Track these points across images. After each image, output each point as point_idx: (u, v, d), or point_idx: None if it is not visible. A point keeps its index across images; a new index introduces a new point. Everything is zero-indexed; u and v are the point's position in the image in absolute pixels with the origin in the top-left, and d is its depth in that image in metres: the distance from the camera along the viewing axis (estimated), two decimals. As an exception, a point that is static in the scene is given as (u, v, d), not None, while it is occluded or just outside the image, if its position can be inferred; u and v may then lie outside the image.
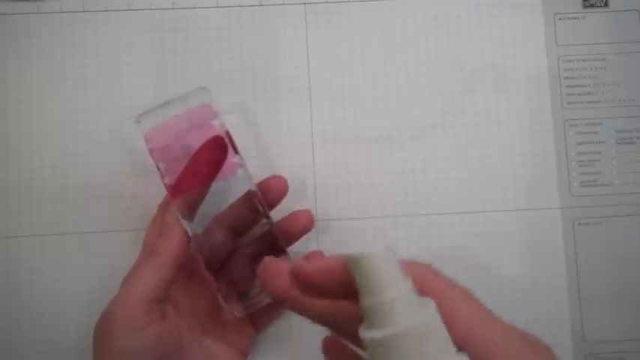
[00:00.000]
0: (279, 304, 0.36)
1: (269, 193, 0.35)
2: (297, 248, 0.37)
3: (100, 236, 0.39)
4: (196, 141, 0.33)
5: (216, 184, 0.33)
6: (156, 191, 0.37)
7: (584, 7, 0.42)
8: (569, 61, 0.41)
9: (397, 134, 0.41)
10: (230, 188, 0.33)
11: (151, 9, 0.41)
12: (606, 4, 0.42)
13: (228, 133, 0.34)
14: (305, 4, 0.42)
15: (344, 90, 0.41)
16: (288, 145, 0.40)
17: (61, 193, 0.39)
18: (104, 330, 0.31)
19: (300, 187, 0.40)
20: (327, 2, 0.42)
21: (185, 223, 0.32)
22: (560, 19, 0.42)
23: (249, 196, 0.34)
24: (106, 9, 0.41)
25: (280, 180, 0.36)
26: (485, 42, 0.41)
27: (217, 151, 0.33)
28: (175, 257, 0.32)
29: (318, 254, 0.37)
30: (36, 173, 0.39)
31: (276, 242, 0.34)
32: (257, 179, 0.35)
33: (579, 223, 0.40)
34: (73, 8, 0.41)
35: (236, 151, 0.34)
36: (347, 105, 0.41)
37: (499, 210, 0.40)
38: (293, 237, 0.36)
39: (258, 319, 0.37)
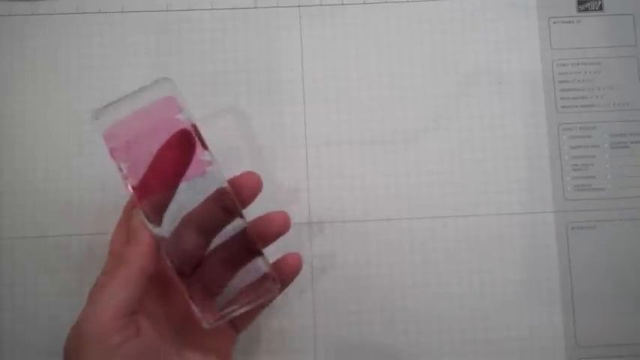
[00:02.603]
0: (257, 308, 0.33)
1: (242, 190, 0.32)
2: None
3: (101, 237, 0.39)
4: (161, 137, 0.30)
5: (185, 184, 0.30)
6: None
7: (579, 11, 0.42)
8: (564, 65, 0.41)
9: (391, 137, 0.41)
10: (200, 187, 0.31)
11: (145, 11, 0.41)
12: (601, 8, 0.42)
13: (195, 127, 0.31)
14: (299, 6, 0.41)
15: (338, 93, 0.41)
16: (281, 148, 0.40)
17: (64, 194, 0.39)
18: (75, 352, 0.28)
19: (294, 189, 0.40)
20: (321, 5, 0.42)
21: (152, 227, 0.30)
22: (554, 22, 0.42)
23: (220, 195, 0.31)
24: (100, 11, 0.41)
25: (253, 176, 0.33)
26: (479, 45, 0.41)
27: (184, 147, 0.30)
28: (145, 265, 0.30)
29: (295, 257, 0.35)
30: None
31: (251, 243, 0.31)
32: (228, 176, 0.34)
33: (573, 227, 0.40)
34: (67, 10, 0.41)
35: (205, 147, 0.31)
36: (341, 108, 0.41)
37: (492, 214, 0.40)
38: (268, 238, 0.34)
39: (238, 319, 0.34)
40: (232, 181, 0.32)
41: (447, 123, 0.41)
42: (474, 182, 0.40)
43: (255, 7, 0.41)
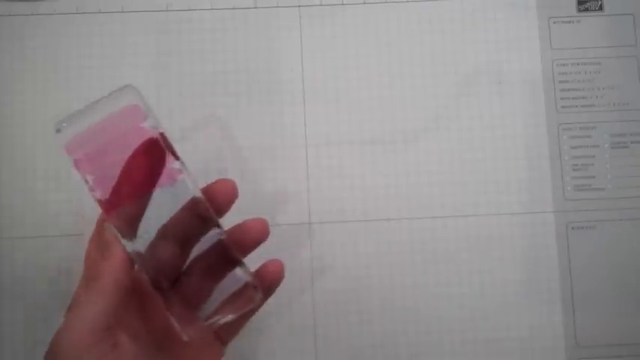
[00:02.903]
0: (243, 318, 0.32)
1: (216, 198, 0.31)
2: (288, 256, 0.37)
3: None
4: (126, 147, 0.29)
5: (156, 195, 0.29)
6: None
7: (579, 11, 0.42)
8: (564, 64, 0.41)
9: (391, 137, 0.41)
10: (172, 198, 0.29)
11: (145, 11, 0.41)
12: (601, 8, 0.42)
13: (163, 135, 0.30)
14: (299, 6, 0.41)
15: (338, 93, 0.41)
16: (281, 148, 0.40)
17: (63, 194, 0.39)
18: None
19: (294, 189, 0.40)
20: (321, 5, 0.42)
21: (126, 242, 0.29)
22: (554, 22, 0.42)
23: (194, 204, 0.30)
24: (100, 11, 0.41)
25: (227, 183, 0.32)
26: (479, 45, 0.41)
27: (153, 156, 0.29)
28: (120, 279, 0.29)
29: (276, 263, 0.33)
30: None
31: (230, 253, 0.30)
32: (207, 183, 0.32)
33: (573, 228, 0.40)
34: (67, 10, 0.41)
35: (175, 155, 0.30)
36: (341, 108, 0.41)
37: (492, 214, 0.40)
38: (248, 247, 0.32)
39: (223, 331, 0.33)
40: (206, 190, 0.31)
41: (447, 123, 0.41)
42: (474, 182, 0.40)
43: (255, 7, 0.41)
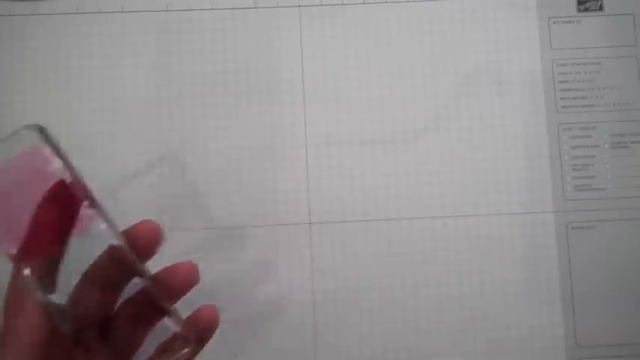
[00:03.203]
0: None
1: (138, 242, 0.28)
2: (288, 256, 0.37)
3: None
4: (33, 195, 0.26)
5: (74, 242, 0.27)
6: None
7: (579, 11, 0.42)
8: (564, 64, 0.41)
9: (391, 137, 0.41)
10: (89, 246, 0.27)
11: (145, 11, 0.41)
12: (601, 8, 0.42)
13: (76, 179, 0.27)
14: (299, 6, 0.42)
15: (338, 93, 0.41)
16: (281, 148, 0.40)
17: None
18: None
19: (294, 189, 0.40)
20: (321, 5, 0.42)
21: (42, 295, 0.26)
22: (554, 22, 0.42)
23: (113, 252, 0.27)
24: (100, 11, 0.41)
25: (149, 225, 0.29)
26: (479, 45, 0.41)
27: (63, 203, 0.27)
28: (35, 338, 0.26)
29: (210, 309, 0.31)
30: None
31: (156, 301, 0.28)
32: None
33: (573, 227, 0.40)
34: (67, 10, 0.41)
35: (90, 200, 0.27)
36: (341, 108, 0.41)
37: (492, 214, 0.40)
38: (177, 291, 0.30)
39: None
40: (127, 233, 0.29)
41: (447, 123, 0.41)
42: (474, 182, 0.40)
43: (255, 7, 0.42)
